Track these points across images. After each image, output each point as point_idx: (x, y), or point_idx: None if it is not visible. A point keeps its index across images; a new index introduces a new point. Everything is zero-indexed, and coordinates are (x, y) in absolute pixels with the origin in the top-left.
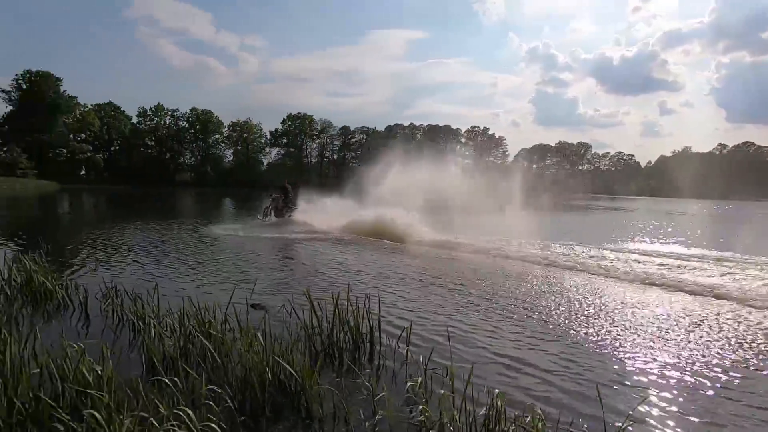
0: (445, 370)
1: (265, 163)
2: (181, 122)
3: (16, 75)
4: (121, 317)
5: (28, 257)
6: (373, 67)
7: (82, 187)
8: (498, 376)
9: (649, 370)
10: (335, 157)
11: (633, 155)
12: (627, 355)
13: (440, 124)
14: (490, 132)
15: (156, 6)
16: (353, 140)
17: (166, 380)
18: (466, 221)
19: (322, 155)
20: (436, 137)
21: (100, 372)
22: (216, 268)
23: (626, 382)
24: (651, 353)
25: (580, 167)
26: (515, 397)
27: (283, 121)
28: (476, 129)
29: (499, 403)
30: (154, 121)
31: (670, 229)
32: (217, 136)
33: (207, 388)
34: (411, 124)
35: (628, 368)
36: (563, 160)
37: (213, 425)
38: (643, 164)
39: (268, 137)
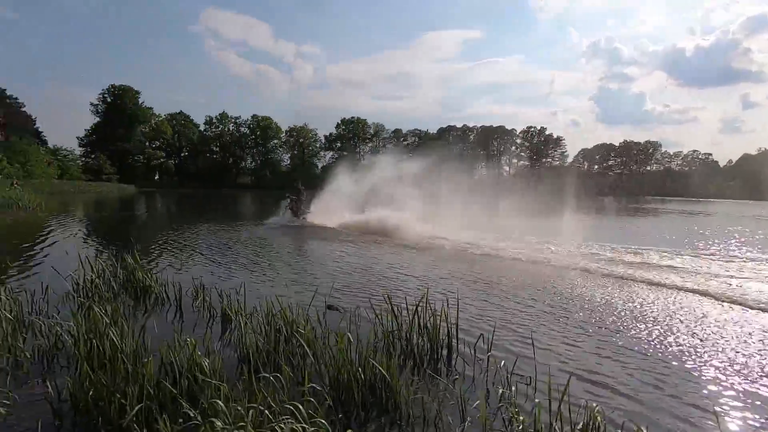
0: (528, 379)
1: (319, 167)
2: (243, 129)
3: (103, 90)
4: (211, 313)
5: (129, 255)
6: (425, 69)
7: (156, 190)
8: (585, 391)
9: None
10: None
11: (710, 154)
12: (724, 382)
13: (494, 125)
14: (547, 132)
15: (219, 20)
16: (405, 143)
17: (270, 376)
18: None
19: (376, 158)
20: (489, 138)
21: (206, 364)
22: (284, 268)
23: (723, 408)
24: (751, 381)
25: (648, 167)
26: (608, 415)
27: (337, 126)
28: (532, 129)
29: (599, 419)
30: (219, 128)
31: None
32: (275, 141)
33: (308, 386)
34: (464, 125)
35: (725, 394)
36: (629, 160)
37: (322, 420)
38: (722, 164)
39: (323, 141)
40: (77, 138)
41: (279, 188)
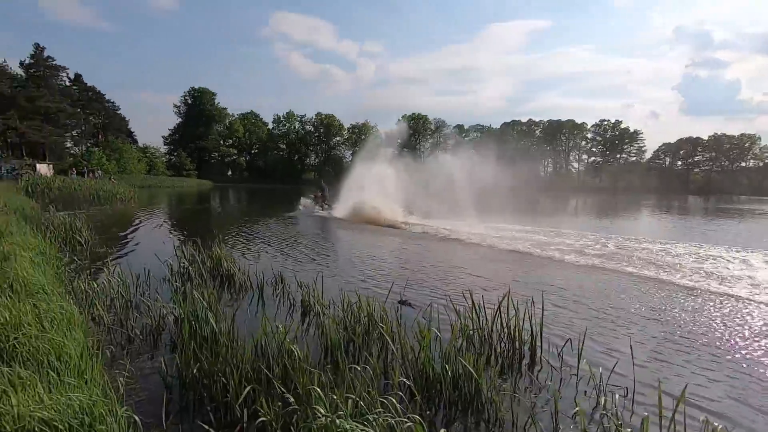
0: (625, 390)
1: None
2: (308, 126)
3: (184, 92)
4: (291, 302)
5: (215, 245)
6: (489, 62)
7: (229, 185)
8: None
9: None
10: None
11: None
12: None
13: (563, 119)
14: (622, 125)
15: (287, 22)
16: (467, 138)
17: (359, 368)
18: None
19: (436, 155)
20: (557, 133)
21: (296, 351)
22: (352, 262)
23: None
24: None
25: (744, 164)
26: None
27: (398, 122)
28: (605, 123)
29: None
30: (286, 127)
31: None
32: (338, 138)
33: (398, 380)
34: (529, 120)
35: None
36: (719, 156)
37: (417, 416)
38: None
39: (384, 138)
40: (162, 137)
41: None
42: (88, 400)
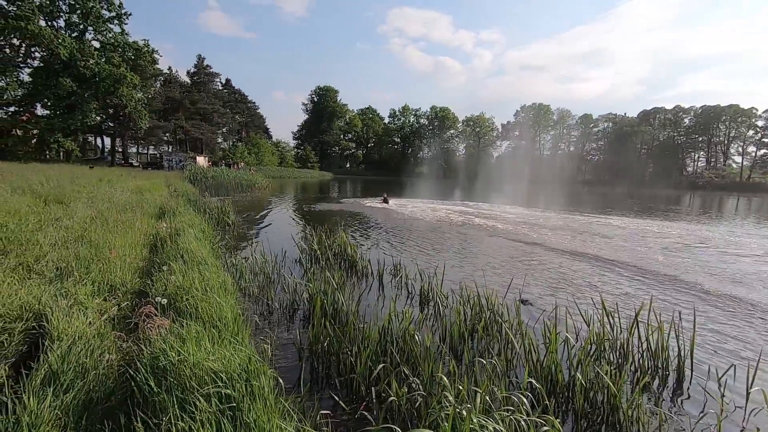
0: None
1: (494, 156)
2: (422, 120)
3: (311, 91)
4: (409, 290)
5: (339, 231)
6: (624, 42)
7: (347, 176)
8: None
9: None
10: (572, 149)
11: None
12: None
13: (721, 104)
14: None
15: (404, 17)
16: (595, 129)
17: (486, 362)
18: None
19: (557, 147)
20: (714, 122)
21: (419, 338)
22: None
23: None
24: None
25: None
26: None
27: (516, 113)
28: None
29: None
30: (401, 120)
31: None
32: (452, 131)
33: (527, 382)
34: (676, 106)
35: None
36: None
37: (551, 417)
38: None
39: (500, 130)
40: (291, 132)
41: (454, 177)
42: (245, 358)
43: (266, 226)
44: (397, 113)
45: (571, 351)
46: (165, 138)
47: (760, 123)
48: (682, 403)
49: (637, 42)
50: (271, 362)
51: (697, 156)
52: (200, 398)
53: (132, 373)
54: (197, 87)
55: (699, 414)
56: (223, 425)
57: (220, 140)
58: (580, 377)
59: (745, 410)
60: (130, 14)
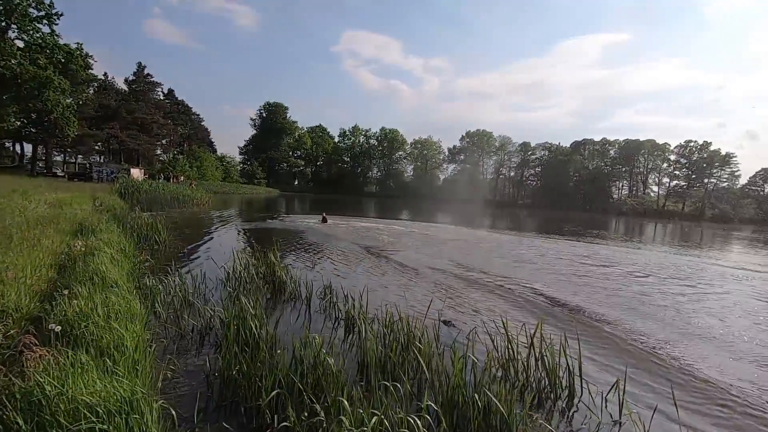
0: None
1: (441, 179)
2: (372, 140)
3: (260, 107)
4: (336, 314)
5: (271, 252)
6: (561, 77)
7: (295, 193)
8: None
9: None
10: (512, 174)
11: None
12: None
13: (641, 139)
14: (712, 147)
15: (357, 40)
16: (533, 157)
17: (390, 385)
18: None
19: (499, 172)
20: (635, 154)
21: (331, 363)
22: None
23: None
24: None
25: None
26: None
27: (462, 138)
28: (691, 144)
29: None
30: (351, 140)
31: None
32: (401, 152)
33: (426, 404)
34: (603, 138)
35: None
36: None
37: None
38: None
39: (446, 154)
40: (238, 147)
41: (401, 197)
42: (131, 390)
43: (199, 245)
44: (347, 133)
45: (476, 373)
46: (97, 147)
47: (672, 157)
48: (572, 415)
49: (572, 78)
50: (174, 391)
51: (621, 184)
52: None
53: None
54: (136, 96)
55: (583, 426)
56: None
57: (159, 152)
58: (477, 398)
59: (620, 425)
60: (61, 14)
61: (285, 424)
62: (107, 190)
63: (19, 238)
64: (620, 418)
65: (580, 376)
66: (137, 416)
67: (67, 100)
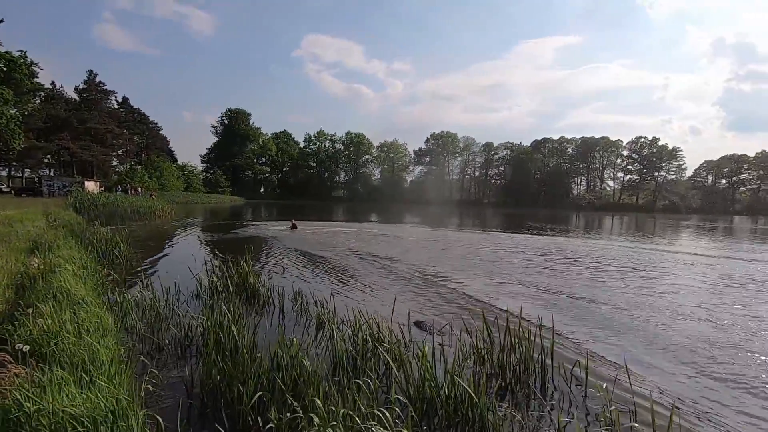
0: (630, 412)
1: (408, 181)
2: (338, 145)
3: (221, 113)
4: (308, 318)
5: (243, 261)
6: (520, 79)
7: (261, 201)
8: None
9: None
10: (477, 173)
11: None
12: None
13: (596, 136)
14: (660, 142)
15: (318, 44)
16: (496, 156)
17: (361, 382)
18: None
19: (464, 172)
20: (590, 151)
21: (307, 364)
22: (370, 279)
23: None
24: None
25: None
26: None
27: (427, 140)
28: (641, 140)
29: None
30: (317, 145)
31: None
32: (367, 156)
33: (395, 397)
34: (561, 137)
35: None
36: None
37: (405, 430)
38: None
39: (412, 156)
40: (200, 156)
41: (370, 200)
42: (114, 399)
43: (163, 257)
44: (312, 138)
45: (446, 365)
46: (46, 160)
47: (624, 153)
48: (548, 394)
49: (530, 79)
50: (156, 402)
51: (579, 180)
52: None
53: None
54: (87, 105)
55: (553, 404)
56: None
57: (115, 163)
58: (445, 388)
59: (585, 397)
60: (1, 21)
61: (270, 425)
62: (60, 205)
63: None
64: (585, 391)
65: (552, 356)
66: (123, 423)
67: (11, 111)
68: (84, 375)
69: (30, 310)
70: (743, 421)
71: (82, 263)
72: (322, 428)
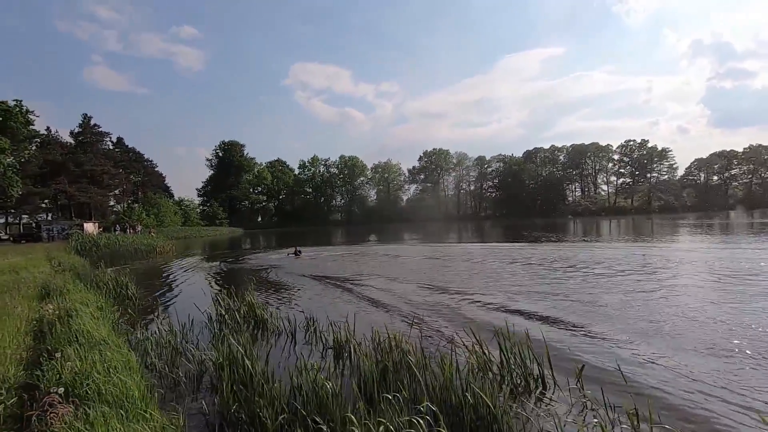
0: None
1: (404, 200)
2: (332, 169)
3: (215, 146)
4: (323, 342)
5: (248, 292)
6: (506, 92)
7: (259, 231)
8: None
9: None
10: (472, 188)
11: None
12: None
13: (586, 143)
14: (649, 144)
15: (306, 71)
16: (489, 169)
17: (390, 396)
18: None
19: (459, 187)
20: (582, 157)
21: (329, 386)
22: (380, 300)
23: None
24: None
25: None
26: None
27: (420, 158)
28: (631, 143)
29: None
30: (311, 171)
31: None
32: (362, 178)
33: (425, 405)
34: (552, 146)
35: None
36: (758, 168)
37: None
38: None
39: (407, 175)
40: (196, 189)
41: (367, 223)
42: (160, 428)
43: (171, 294)
44: (306, 164)
45: (461, 373)
46: (43, 205)
47: (615, 157)
48: (549, 402)
49: (517, 91)
50: None
51: (573, 187)
52: None
53: None
54: (83, 147)
55: (555, 404)
56: None
57: (112, 203)
58: (468, 395)
59: (584, 398)
60: None
61: None
62: (62, 249)
63: None
64: (583, 393)
65: (550, 365)
66: None
67: (8, 160)
68: (120, 411)
69: (58, 354)
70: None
71: (97, 305)
72: None
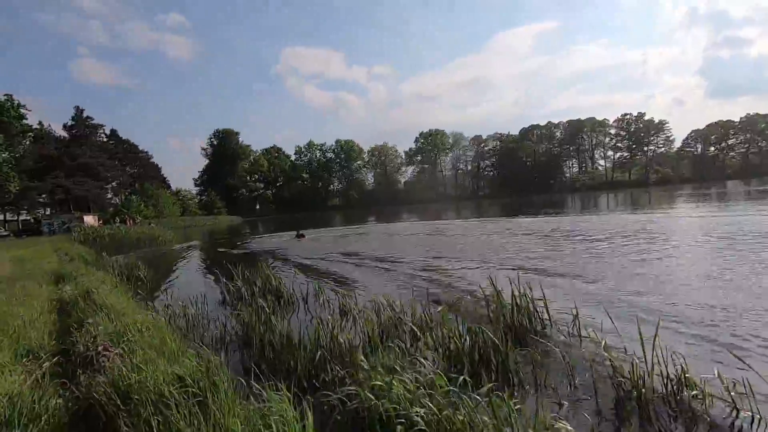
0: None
1: (402, 182)
2: (328, 154)
3: (209, 135)
4: (330, 308)
5: (263, 267)
6: (500, 70)
7: (257, 218)
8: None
9: None
10: (469, 167)
11: None
12: None
13: (582, 118)
14: (646, 117)
15: (297, 56)
16: (486, 148)
17: (396, 346)
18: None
19: (456, 167)
20: (579, 133)
21: (342, 339)
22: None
23: None
24: None
25: None
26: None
27: (416, 140)
28: (628, 116)
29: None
30: (308, 156)
31: None
32: (359, 162)
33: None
34: (548, 122)
35: None
36: (755, 137)
37: (439, 372)
38: None
39: (404, 157)
40: (193, 179)
41: (365, 206)
42: (204, 363)
43: (181, 276)
44: (302, 150)
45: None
46: (41, 200)
47: (612, 131)
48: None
49: (511, 68)
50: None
51: (571, 163)
52: (174, 394)
53: (97, 397)
54: (77, 141)
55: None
56: (193, 414)
57: (110, 196)
58: (467, 340)
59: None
60: None
61: (325, 378)
62: (66, 241)
63: (8, 295)
64: (580, 338)
65: (547, 311)
66: (217, 377)
67: (3, 155)
68: (162, 357)
69: (90, 320)
70: None
71: (114, 284)
72: (368, 375)
